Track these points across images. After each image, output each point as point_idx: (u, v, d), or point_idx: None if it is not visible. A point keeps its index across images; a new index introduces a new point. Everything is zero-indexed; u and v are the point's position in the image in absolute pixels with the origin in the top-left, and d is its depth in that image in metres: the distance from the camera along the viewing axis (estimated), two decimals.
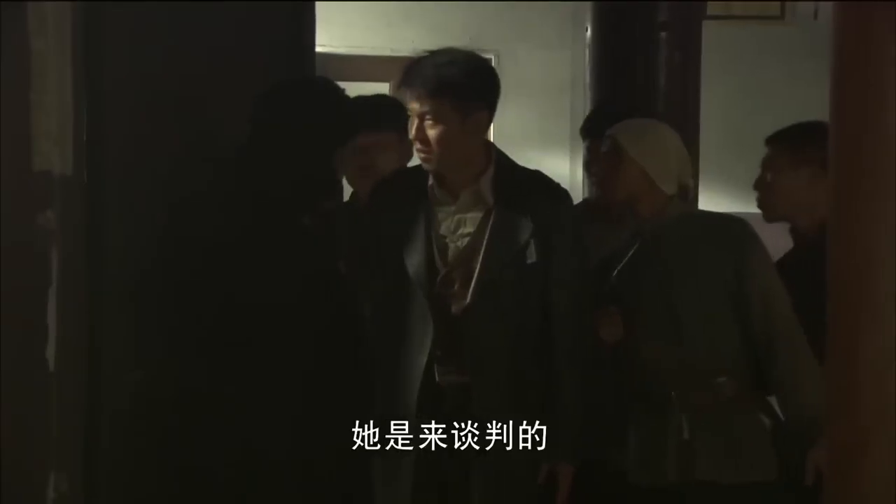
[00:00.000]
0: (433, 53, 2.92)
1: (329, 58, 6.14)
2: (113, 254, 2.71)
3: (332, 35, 6.57)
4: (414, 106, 2.86)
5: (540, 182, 3.00)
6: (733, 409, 3.00)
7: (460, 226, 2.92)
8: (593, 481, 3.30)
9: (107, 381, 2.70)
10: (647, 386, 3.04)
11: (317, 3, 3.46)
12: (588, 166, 3.60)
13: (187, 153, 2.89)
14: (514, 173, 2.99)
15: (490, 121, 2.96)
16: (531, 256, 2.90)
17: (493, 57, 7.06)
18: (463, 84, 2.86)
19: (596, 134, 3.57)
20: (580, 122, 3.98)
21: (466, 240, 2.91)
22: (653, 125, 3.22)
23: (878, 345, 1.89)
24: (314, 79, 3.21)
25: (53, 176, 2.38)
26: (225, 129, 2.92)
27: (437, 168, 2.91)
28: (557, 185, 3.01)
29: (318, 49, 3.62)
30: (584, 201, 3.89)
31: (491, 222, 2.90)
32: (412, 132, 2.88)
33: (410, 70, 2.88)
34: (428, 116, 2.85)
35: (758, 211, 3.33)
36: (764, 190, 3.32)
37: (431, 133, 2.85)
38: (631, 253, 3.09)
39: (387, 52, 6.84)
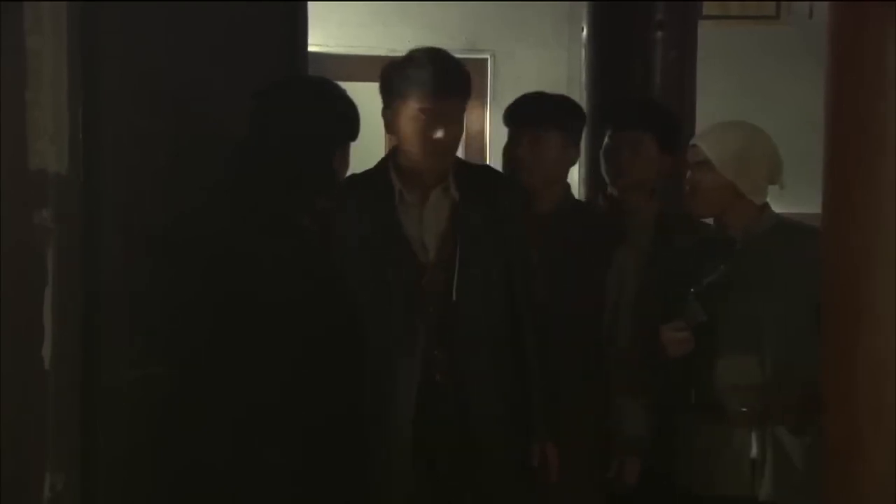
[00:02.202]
0: (425, 54, 2.92)
1: (325, 57, 6.13)
2: (109, 252, 2.71)
3: (328, 34, 6.57)
4: (433, 106, 2.85)
5: (493, 175, 3.12)
6: (804, 430, 2.93)
7: (434, 224, 2.95)
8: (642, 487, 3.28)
9: (103, 381, 2.69)
10: (719, 399, 2.96)
11: (313, 3, 3.46)
12: (605, 153, 3.52)
13: (183, 152, 2.89)
14: (470, 168, 3.07)
15: None
16: (501, 246, 2.96)
17: (489, 56, 7.07)
18: (468, 81, 2.93)
19: (617, 125, 3.50)
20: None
21: (442, 237, 2.94)
22: (740, 132, 3.05)
23: (875, 345, 1.89)
24: (313, 78, 3.20)
25: (49, 174, 2.37)
26: (220, 127, 2.92)
27: (442, 166, 2.93)
28: (509, 177, 3.14)
29: (314, 48, 3.61)
30: (601, 194, 3.81)
31: (461, 217, 2.94)
32: (439, 133, 2.86)
33: (424, 71, 2.87)
34: (447, 114, 2.87)
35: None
36: None
37: (450, 132, 2.88)
38: (719, 265, 2.98)
39: (383, 52, 6.84)
